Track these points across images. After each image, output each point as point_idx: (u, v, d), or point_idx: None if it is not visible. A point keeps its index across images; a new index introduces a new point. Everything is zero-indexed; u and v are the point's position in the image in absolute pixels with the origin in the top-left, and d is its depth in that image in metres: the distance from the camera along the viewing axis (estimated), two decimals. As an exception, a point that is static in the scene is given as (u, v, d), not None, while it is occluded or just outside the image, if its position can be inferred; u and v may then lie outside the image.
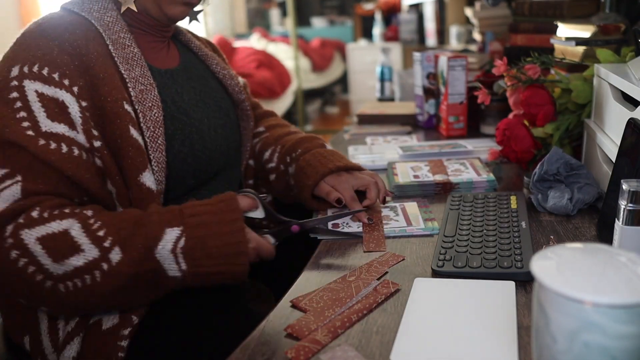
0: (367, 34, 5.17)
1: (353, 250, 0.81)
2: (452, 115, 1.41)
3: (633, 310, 0.40)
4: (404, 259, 0.77)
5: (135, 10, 0.85)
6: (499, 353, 0.55)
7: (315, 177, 0.92)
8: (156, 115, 0.81)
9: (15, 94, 0.72)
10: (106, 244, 0.67)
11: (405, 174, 1.05)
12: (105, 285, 0.67)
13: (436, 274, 0.72)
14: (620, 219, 0.64)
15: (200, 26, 4.81)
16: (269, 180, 1.06)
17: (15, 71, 0.74)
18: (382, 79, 2.04)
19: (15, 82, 0.73)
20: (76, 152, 0.73)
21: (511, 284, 0.67)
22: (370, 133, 1.52)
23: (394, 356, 0.56)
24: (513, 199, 0.92)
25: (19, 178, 0.69)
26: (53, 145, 0.71)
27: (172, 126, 0.85)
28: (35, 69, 0.74)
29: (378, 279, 0.71)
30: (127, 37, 0.83)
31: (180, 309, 0.80)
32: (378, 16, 4.87)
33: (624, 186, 0.62)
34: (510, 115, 1.15)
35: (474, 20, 2.11)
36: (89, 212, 0.70)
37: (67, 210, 0.69)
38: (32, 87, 0.72)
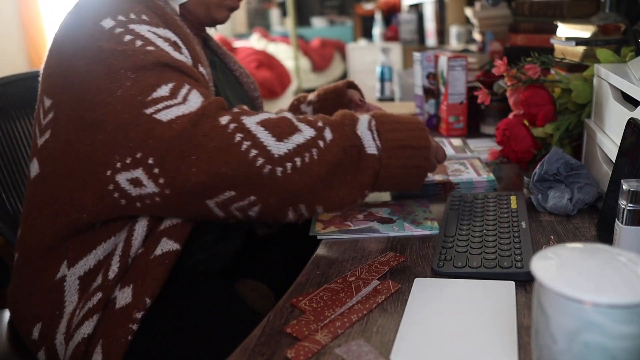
0: (367, 34, 5.17)
1: (353, 250, 0.81)
2: (452, 115, 1.42)
3: (633, 310, 0.40)
4: (404, 259, 0.77)
5: (177, 11, 0.87)
6: (499, 353, 0.55)
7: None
8: (212, 91, 0.84)
9: (129, 37, 0.73)
10: (319, 124, 0.74)
11: None
12: (320, 162, 0.72)
13: (436, 274, 0.72)
14: (620, 219, 0.64)
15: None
16: None
17: (108, 22, 0.74)
18: (382, 79, 2.04)
19: (119, 29, 0.73)
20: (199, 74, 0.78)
21: (511, 284, 0.67)
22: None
23: (394, 356, 0.56)
24: (513, 199, 0.92)
25: (188, 86, 0.72)
26: (188, 65, 0.76)
27: None
28: (133, 15, 0.75)
29: (378, 279, 0.71)
30: (180, 20, 0.85)
31: (181, 308, 0.80)
32: (378, 16, 4.87)
33: (624, 186, 0.62)
34: (510, 115, 1.16)
35: (474, 20, 2.12)
36: (288, 114, 0.77)
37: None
38: (142, 29, 0.74)
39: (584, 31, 1.12)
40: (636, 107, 0.79)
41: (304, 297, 0.67)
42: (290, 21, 4.80)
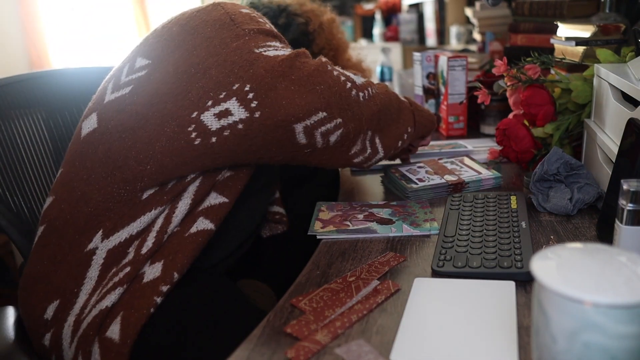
0: (367, 34, 5.16)
1: (353, 250, 0.81)
2: (452, 115, 1.42)
3: (633, 310, 0.40)
4: (405, 259, 0.77)
5: None
6: (499, 353, 0.55)
7: None
8: None
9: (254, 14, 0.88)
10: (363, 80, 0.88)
11: (409, 178, 1.05)
12: (377, 97, 0.88)
13: (436, 274, 0.72)
14: (620, 219, 0.64)
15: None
16: None
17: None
18: (382, 79, 2.04)
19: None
20: None
21: (511, 284, 0.67)
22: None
23: (394, 356, 0.56)
24: (513, 199, 0.92)
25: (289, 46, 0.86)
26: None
27: None
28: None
29: (378, 279, 0.71)
30: None
31: (180, 308, 0.80)
32: (378, 16, 4.87)
33: (624, 186, 0.62)
34: (510, 115, 1.16)
35: (474, 20, 2.11)
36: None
37: None
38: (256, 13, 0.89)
39: (584, 31, 1.12)
40: (636, 107, 0.79)
41: (304, 297, 0.67)
42: (290, 21, 4.79)
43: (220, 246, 0.89)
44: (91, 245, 0.78)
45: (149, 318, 0.74)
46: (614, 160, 0.80)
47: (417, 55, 1.55)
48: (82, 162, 0.82)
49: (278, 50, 0.79)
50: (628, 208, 0.63)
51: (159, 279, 0.75)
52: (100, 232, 0.78)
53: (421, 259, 0.77)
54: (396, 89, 2.05)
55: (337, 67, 0.83)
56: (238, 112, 0.74)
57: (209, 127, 0.76)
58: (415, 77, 1.57)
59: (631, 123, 0.75)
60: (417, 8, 4.17)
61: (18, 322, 0.88)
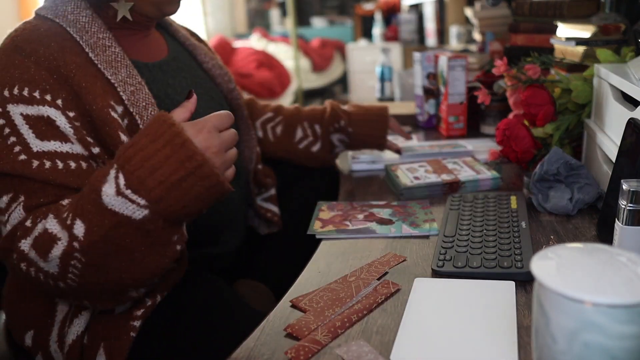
0: (367, 34, 5.16)
1: (353, 250, 0.81)
2: (452, 115, 1.41)
3: (633, 310, 0.40)
4: (405, 259, 0.77)
5: (131, 19, 0.83)
6: (499, 353, 0.55)
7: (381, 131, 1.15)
8: (151, 113, 0.79)
9: (2, 121, 0.73)
10: (68, 222, 0.65)
11: (405, 176, 1.05)
12: (89, 265, 0.64)
13: (436, 274, 0.72)
14: (620, 219, 0.64)
15: (200, 26, 4.81)
16: (311, 151, 1.16)
17: None
18: (382, 79, 2.04)
19: (0, 109, 0.73)
20: (73, 165, 0.72)
21: (511, 284, 0.67)
22: (370, 133, 1.52)
23: (394, 356, 0.56)
24: (513, 199, 0.92)
25: (22, 199, 0.71)
26: (48, 164, 0.71)
27: None
28: (16, 91, 0.73)
29: (378, 279, 0.71)
30: (107, 37, 0.80)
31: (180, 309, 0.80)
32: (378, 16, 4.87)
33: (624, 186, 0.62)
34: (510, 115, 1.16)
35: (474, 20, 2.11)
36: (65, 201, 0.69)
37: (47, 208, 0.69)
38: (16, 111, 0.72)
39: (584, 31, 1.12)
40: (636, 107, 0.79)
41: (304, 297, 0.67)
42: (290, 21, 4.80)
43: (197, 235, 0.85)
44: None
45: (135, 338, 0.74)
46: (614, 160, 0.80)
47: (417, 55, 1.55)
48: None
49: (3, 224, 0.71)
50: (628, 208, 0.63)
51: (132, 307, 0.75)
52: None
53: (421, 259, 0.77)
54: (396, 89, 2.05)
55: (29, 255, 0.66)
56: None
57: None
58: (415, 77, 1.57)
59: (631, 123, 0.75)
60: (417, 8, 4.17)
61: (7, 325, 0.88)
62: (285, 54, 4.90)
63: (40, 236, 0.66)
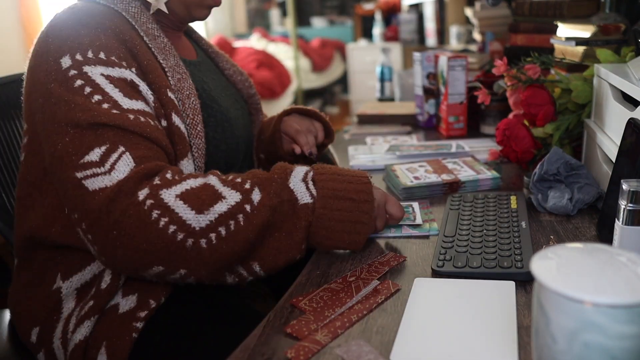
0: (367, 34, 5.16)
1: (353, 250, 0.81)
2: (452, 115, 1.42)
3: (633, 310, 0.40)
4: (405, 259, 0.77)
5: (166, 12, 0.86)
6: (499, 353, 0.55)
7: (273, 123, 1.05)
8: (194, 102, 0.83)
9: (80, 82, 0.71)
10: (247, 186, 0.70)
11: (404, 176, 1.05)
12: (247, 227, 0.68)
13: (436, 274, 0.72)
14: (620, 219, 0.64)
15: (200, 26, 4.81)
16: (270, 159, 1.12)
17: (66, 61, 0.72)
18: (382, 79, 2.04)
19: (74, 71, 0.71)
20: (157, 124, 0.75)
21: (511, 284, 0.67)
22: (370, 133, 1.52)
23: (394, 356, 0.56)
24: (513, 199, 0.92)
25: (122, 149, 0.69)
26: (142, 119, 0.72)
27: (205, 113, 0.87)
28: (90, 54, 0.73)
29: (378, 279, 0.71)
30: (155, 28, 0.84)
31: (180, 309, 0.80)
32: (378, 16, 4.87)
33: (624, 186, 0.62)
34: (510, 115, 1.15)
35: (474, 20, 2.11)
36: (217, 172, 0.74)
37: (197, 173, 0.74)
38: (96, 72, 0.72)
39: (584, 31, 1.12)
40: (636, 107, 0.79)
41: (304, 297, 0.67)
42: (290, 21, 4.80)
43: None
44: (55, 286, 0.80)
45: (137, 339, 0.74)
46: (614, 160, 0.80)
47: (417, 55, 1.55)
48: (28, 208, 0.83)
49: (97, 177, 0.68)
50: (628, 208, 0.63)
51: (135, 308, 0.76)
52: (59, 275, 0.80)
53: (421, 259, 0.77)
54: (396, 89, 2.05)
55: (171, 203, 0.67)
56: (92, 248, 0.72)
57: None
58: (415, 77, 1.57)
59: (631, 123, 0.75)
60: (417, 8, 4.17)
61: (11, 323, 0.89)
62: (285, 54, 4.90)
63: (196, 190, 0.68)
